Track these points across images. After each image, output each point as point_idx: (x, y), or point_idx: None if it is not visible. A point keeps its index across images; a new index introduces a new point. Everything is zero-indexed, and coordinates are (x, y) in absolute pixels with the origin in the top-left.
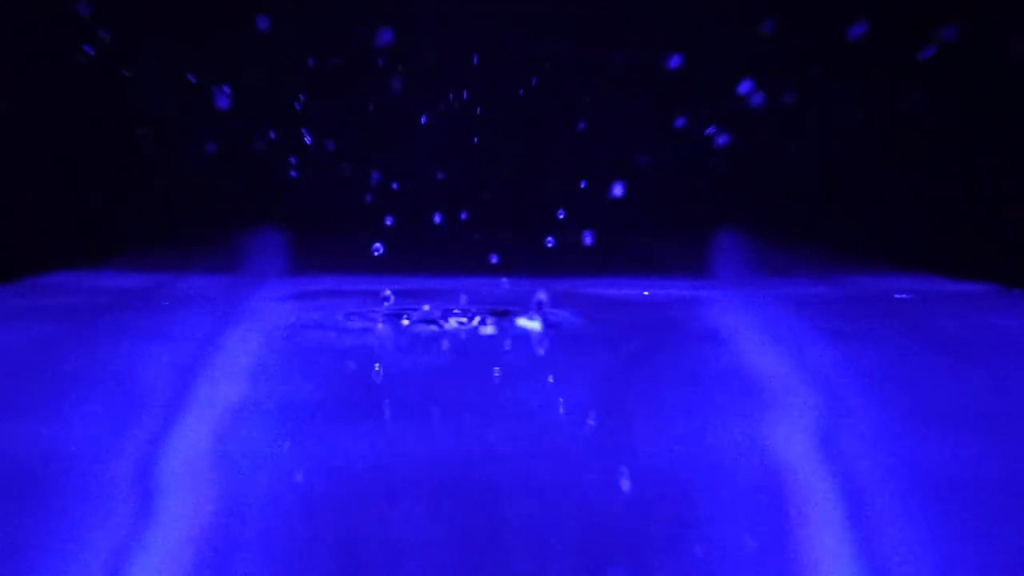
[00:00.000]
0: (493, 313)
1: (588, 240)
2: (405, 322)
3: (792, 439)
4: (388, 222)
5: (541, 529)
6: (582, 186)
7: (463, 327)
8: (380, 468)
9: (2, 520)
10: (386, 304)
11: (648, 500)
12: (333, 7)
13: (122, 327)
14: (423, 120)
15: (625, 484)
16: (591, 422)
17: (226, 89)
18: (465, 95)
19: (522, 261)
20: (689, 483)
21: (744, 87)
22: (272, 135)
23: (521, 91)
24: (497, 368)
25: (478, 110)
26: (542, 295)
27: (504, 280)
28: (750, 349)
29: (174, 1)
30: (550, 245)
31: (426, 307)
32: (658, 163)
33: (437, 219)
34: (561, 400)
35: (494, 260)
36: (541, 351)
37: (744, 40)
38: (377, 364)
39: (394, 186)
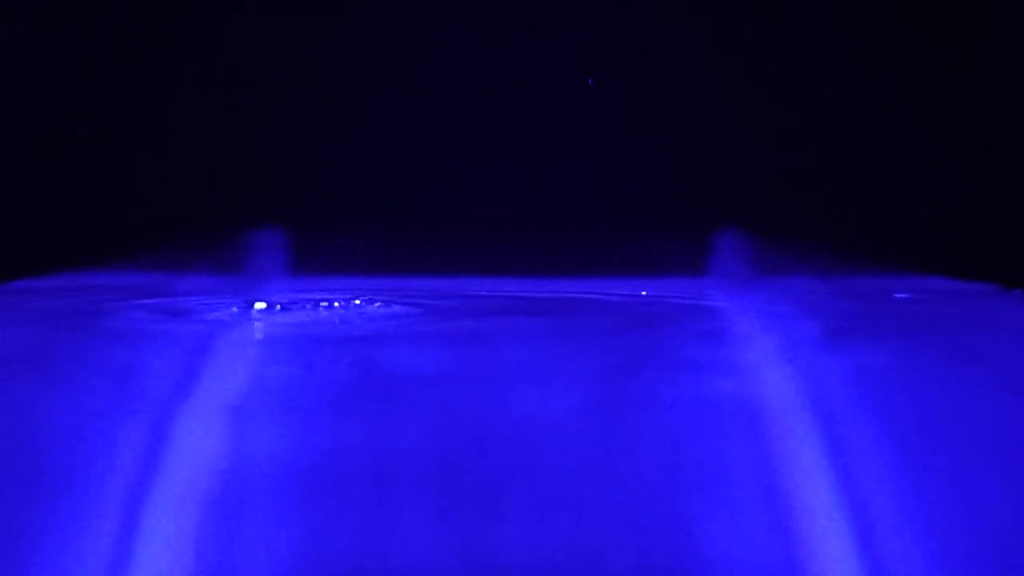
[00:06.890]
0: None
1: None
2: None
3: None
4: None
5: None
6: (581, 184)
7: None
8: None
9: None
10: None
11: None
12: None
13: (121, 327)
14: (422, 120)
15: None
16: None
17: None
18: (465, 95)
19: (523, 261)
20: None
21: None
22: (272, 135)
23: (521, 91)
24: None
25: (478, 109)
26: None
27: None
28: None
29: (174, 3)
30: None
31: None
32: (659, 162)
33: (435, 219)
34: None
35: (496, 260)
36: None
37: (745, 40)
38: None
39: (393, 186)
